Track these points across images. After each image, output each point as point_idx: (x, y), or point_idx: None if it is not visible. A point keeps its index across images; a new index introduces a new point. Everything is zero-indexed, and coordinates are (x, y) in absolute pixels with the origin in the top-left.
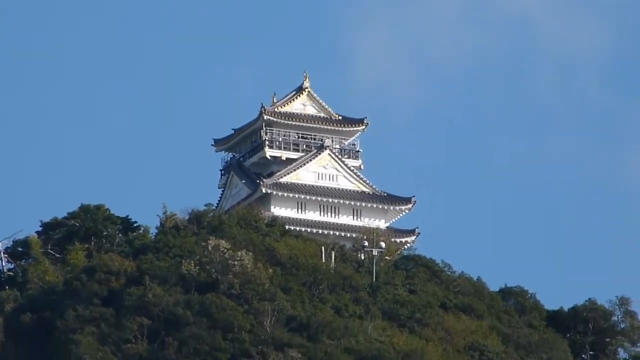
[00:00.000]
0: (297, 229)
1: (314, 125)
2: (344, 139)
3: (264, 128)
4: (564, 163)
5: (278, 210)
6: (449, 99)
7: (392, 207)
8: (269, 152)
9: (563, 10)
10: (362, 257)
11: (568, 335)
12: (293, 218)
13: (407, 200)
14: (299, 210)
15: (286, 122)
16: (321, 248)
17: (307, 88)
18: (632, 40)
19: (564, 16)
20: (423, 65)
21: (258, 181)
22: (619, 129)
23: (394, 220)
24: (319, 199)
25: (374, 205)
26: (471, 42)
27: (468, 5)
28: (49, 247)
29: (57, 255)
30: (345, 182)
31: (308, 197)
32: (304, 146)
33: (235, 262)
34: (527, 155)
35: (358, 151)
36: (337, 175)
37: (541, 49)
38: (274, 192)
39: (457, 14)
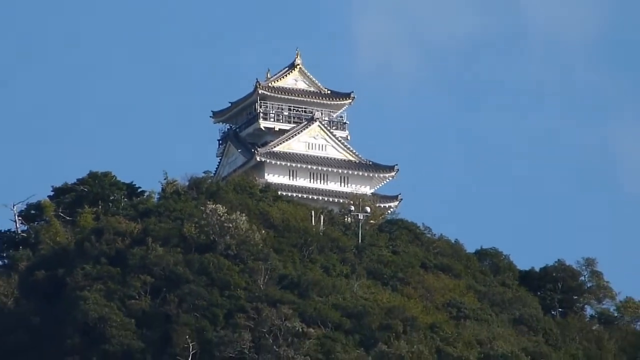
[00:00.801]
0: (289, 194)
1: (305, 99)
2: (332, 112)
3: (259, 101)
4: (546, 135)
5: (271, 177)
6: (442, 74)
7: (376, 175)
8: (263, 124)
9: None
10: (349, 221)
11: (539, 293)
12: (285, 184)
13: (390, 169)
14: (291, 177)
15: (279, 95)
16: (311, 212)
17: (298, 64)
18: (621, 19)
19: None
20: (418, 44)
21: (253, 150)
22: (603, 106)
23: (378, 187)
24: (309, 167)
25: (360, 173)
26: (465, 22)
27: None
28: (60, 211)
29: (68, 218)
30: (334, 152)
31: (299, 165)
32: (296, 118)
33: (232, 225)
34: (511, 128)
35: (345, 123)
36: (325, 145)
37: (532, 28)
38: (268, 161)
39: None
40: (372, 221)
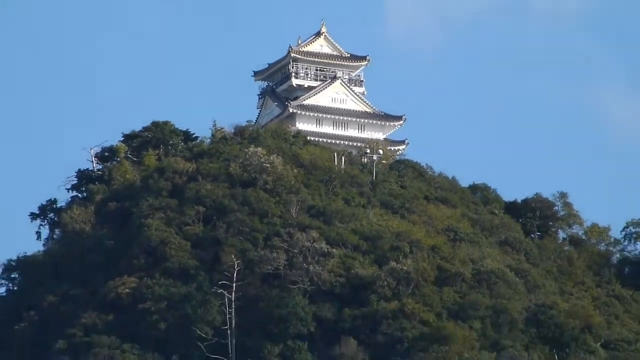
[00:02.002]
0: (316, 139)
1: (329, 61)
2: (352, 71)
3: (291, 63)
4: (540, 93)
5: (301, 126)
6: (452, 43)
7: (387, 123)
8: (295, 81)
9: None
10: (365, 161)
11: (520, 220)
12: (312, 131)
13: (399, 118)
14: (317, 125)
15: (308, 58)
16: (334, 154)
17: (324, 33)
18: None
19: None
20: (436, 16)
21: (286, 103)
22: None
23: (389, 133)
24: (332, 117)
25: (374, 122)
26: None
27: None
28: (129, 153)
29: (135, 159)
30: (352, 104)
31: (324, 115)
32: (321, 77)
33: (269, 165)
34: (507, 87)
35: (362, 81)
36: (346, 99)
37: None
38: (299, 112)
39: None
40: (384, 161)
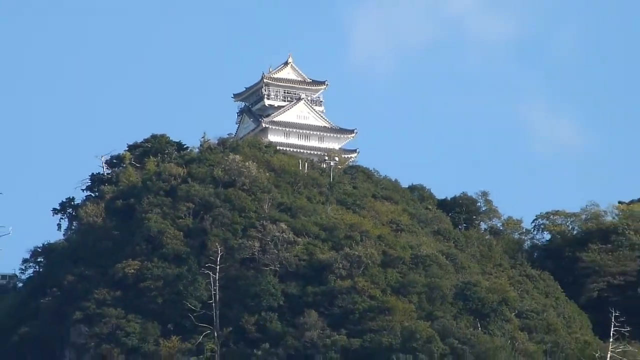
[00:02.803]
0: (284, 149)
1: (294, 86)
2: (313, 94)
3: (264, 87)
4: (474, 111)
5: (272, 137)
6: (401, 66)
7: (342, 136)
8: (267, 102)
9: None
10: (324, 167)
11: (450, 214)
12: (281, 142)
13: (352, 131)
14: (285, 137)
15: (277, 83)
16: (299, 161)
17: (290, 62)
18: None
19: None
20: (390, 47)
21: (260, 120)
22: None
23: (344, 143)
24: (297, 130)
25: (331, 135)
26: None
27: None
28: (132, 160)
29: (137, 165)
30: (314, 120)
31: (290, 129)
32: (289, 98)
33: (246, 170)
34: (446, 105)
35: (321, 101)
36: (308, 116)
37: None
38: (270, 127)
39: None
40: (339, 167)
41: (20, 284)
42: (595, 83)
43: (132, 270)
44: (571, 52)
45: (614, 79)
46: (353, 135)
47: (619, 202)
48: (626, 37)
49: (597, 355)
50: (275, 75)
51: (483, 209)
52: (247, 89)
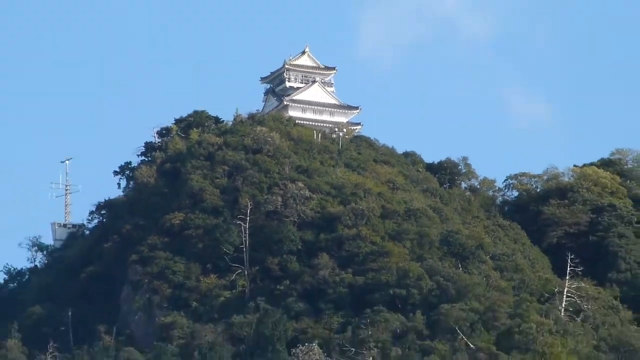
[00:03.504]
0: (301, 122)
1: (310, 71)
2: (325, 77)
3: (285, 71)
4: (462, 92)
5: (292, 113)
6: (400, 56)
7: (349, 112)
8: (288, 84)
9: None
10: (334, 137)
11: (437, 175)
12: (299, 117)
13: (357, 108)
14: (302, 113)
15: (296, 69)
16: (314, 132)
17: (307, 52)
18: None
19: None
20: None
21: (282, 98)
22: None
23: (350, 118)
24: (312, 107)
25: (340, 111)
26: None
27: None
28: (179, 131)
29: (183, 135)
30: (326, 99)
31: (307, 106)
32: (305, 80)
33: (270, 139)
34: (438, 87)
35: (332, 83)
36: (321, 95)
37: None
38: (290, 104)
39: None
40: (346, 137)
41: (87, 232)
42: (560, 71)
43: (178, 221)
44: (542, 45)
45: (576, 68)
46: (358, 111)
47: (574, 166)
48: (586, 34)
49: (556, 290)
50: (295, 62)
51: (463, 171)
52: (272, 73)
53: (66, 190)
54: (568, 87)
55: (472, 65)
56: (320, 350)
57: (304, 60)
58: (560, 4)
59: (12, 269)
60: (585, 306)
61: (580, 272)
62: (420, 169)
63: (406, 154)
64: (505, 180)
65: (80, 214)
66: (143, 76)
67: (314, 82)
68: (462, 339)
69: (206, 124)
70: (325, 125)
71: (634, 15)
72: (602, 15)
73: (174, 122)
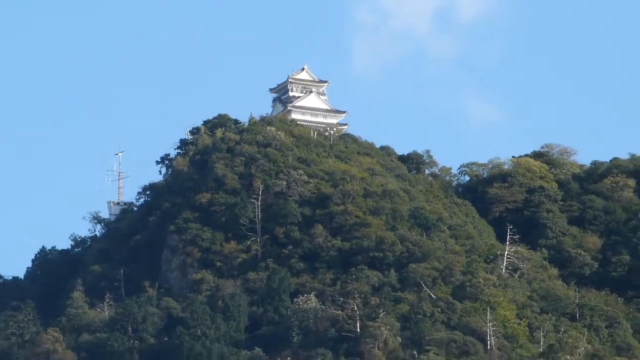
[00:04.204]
0: (302, 123)
1: (308, 83)
2: (319, 88)
3: (289, 84)
4: (432, 96)
5: (294, 116)
6: (384, 70)
7: (338, 114)
8: (291, 93)
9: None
10: (327, 134)
11: (406, 164)
12: (300, 119)
13: (344, 112)
14: (302, 115)
15: (297, 82)
16: (311, 131)
17: (305, 69)
18: None
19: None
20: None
21: (286, 105)
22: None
23: (340, 119)
24: (309, 111)
25: (331, 114)
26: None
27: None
28: (206, 130)
29: (209, 133)
30: (320, 105)
31: (306, 110)
32: (304, 91)
33: (277, 136)
34: (410, 94)
35: (325, 93)
36: (317, 102)
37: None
38: (292, 109)
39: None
40: (336, 134)
41: (135, 208)
42: (506, 81)
43: (205, 200)
44: (493, 61)
45: (518, 80)
46: (345, 114)
47: (512, 157)
48: (526, 51)
49: (498, 253)
50: (296, 77)
51: (427, 161)
52: (278, 85)
53: (119, 176)
54: (511, 94)
55: (437, 77)
56: (316, 299)
57: (303, 75)
58: (508, 29)
59: (77, 237)
60: (521, 265)
61: (517, 239)
62: (394, 159)
63: (382, 148)
64: (459, 168)
65: (130, 194)
66: (180, 88)
67: (310, 92)
68: (426, 290)
69: (227, 124)
70: (319, 125)
71: (565, 40)
72: (539, 36)
73: (202, 123)
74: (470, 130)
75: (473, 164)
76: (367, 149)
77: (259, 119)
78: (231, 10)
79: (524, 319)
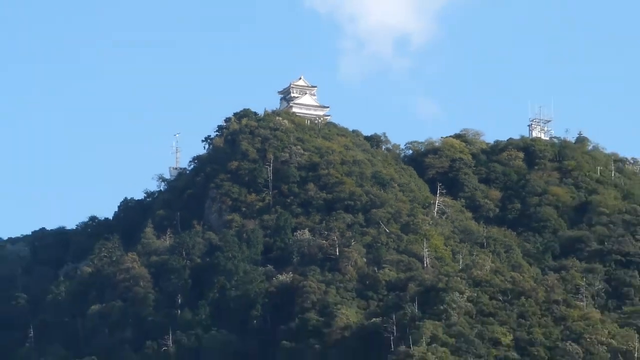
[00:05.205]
0: (299, 114)
1: (304, 88)
2: (312, 90)
3: (290, 88)
4: (392, 100)
5: (294, 110)
6: (361, 80)
7: (324, 108)
8: (292, 94)
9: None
10: (316, 122)
11: (370, 142)
12: (298, 112)
13: (327, 107)
14: (299, 109)
15: (296, 86)
16: (306, 120)
17: (302, 78)
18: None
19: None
20: (361, 70)
21: (289, 102)
22: None
23: (325, 112)
24: (305, 106)
25: (319, 108)
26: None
27: None
28: (235, 119)
29: (237, 121)
30: (312, 102)
31: (302, 106)
32: (301, 93)
33: (283, 124)
34: (382, 100)
35: (315, 94)
36: (310, 100)
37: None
38: (293, 105)
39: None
40: (323, 122)
41: (188, 172)
42: (443, 85)
43: (234, 166)
44: (436, 72)
45: (452, 83)
46: (328, 108)
47: (441, 137)
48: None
49: (432, 201)
50: (295, 83)
51: (384, 140)
52: (283, 89)
53: (177, 150)
54: (443, 96)
55: (396, 84)
56: (309, 233)
57: (300, 82)
58: (445, 50)
59: (148, 191)
60: (446, 210)
61: (444, 193)
62: (361, 139)
63: (353, 131)
64: (406, 144)
65: (184, 162)
66: (219, 90)
67: (305, 94)
68: (383, 227)
69: (249, 115)
70: (311, 116)
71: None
72: (465, 56)
73: (232, 114)
74: (414, 119)
75: (415, 142)
76: (343, 132)
77: (270, 112)
78: (255, 40)
79: (448, 247)
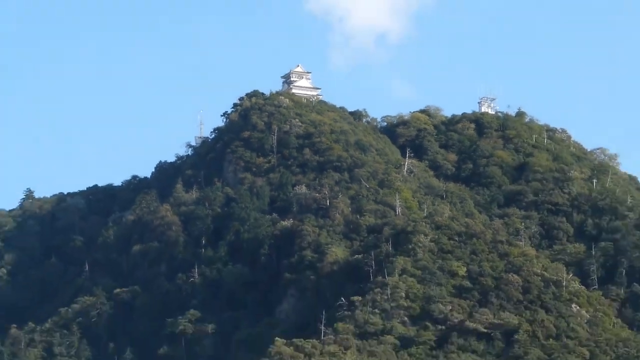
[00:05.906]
0: (298, 94)
1: (301, 73)
2: (307, 75)
3: (291, 74)
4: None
5: (294, 91)
6: (349, 71)
7: (317, 90)
8: (292, 79)
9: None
10: (311, 100)
11: (353, 116)
12: (297, 92)
13: (319, 88)
14: (298, 90)
15: (295, 73)
16: (303, 99)
17: (299, 66)
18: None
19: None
20: (350, 62)
21: (290, 85)
22: None
23: (317, 92)
24: (302, 88)
25: (313, 89)
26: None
27: None
28: (247, 98)
29: (249, 100)
30: (307, 84)
31: (300, 87)
32: (299, 77)
33: (285, 101)
34: (371, 86)
35: (310, 79)
36: (306, 83)
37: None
38: (293, 87)
39: None
40: (316, 100)
41: (210, 140)
42: (415, 73)
43: (246, 135)
44: (409, 62)
45: (421, 71)
46: (320, 89)
47: (410, 112)
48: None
49: (402, 163)
50: (294, 70)
51: (364, 114)
52: (285, 74)
53: (201, 122)
54: (414, 81)
55: (375, 70)
56: (306, 188)
57: (299, 69)
58: (416, 44)
59: (178, 155)
60: (414, 170)
61: (411, 156)
62: (347, 114)
63: (340, 107)
64: (382, 118)
65: (207, 132)
66: (234, 75)
67: (302, 78)
68: (364, 183)
69: (258, 95)
70: (307, 95)
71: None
72: (435, 49)
73: (245, 94)
74: (389, 98)
75: (389, 116)
76: (332, 108)
77: (275, 92)
78: (263, 36)
79: (415, 199)
